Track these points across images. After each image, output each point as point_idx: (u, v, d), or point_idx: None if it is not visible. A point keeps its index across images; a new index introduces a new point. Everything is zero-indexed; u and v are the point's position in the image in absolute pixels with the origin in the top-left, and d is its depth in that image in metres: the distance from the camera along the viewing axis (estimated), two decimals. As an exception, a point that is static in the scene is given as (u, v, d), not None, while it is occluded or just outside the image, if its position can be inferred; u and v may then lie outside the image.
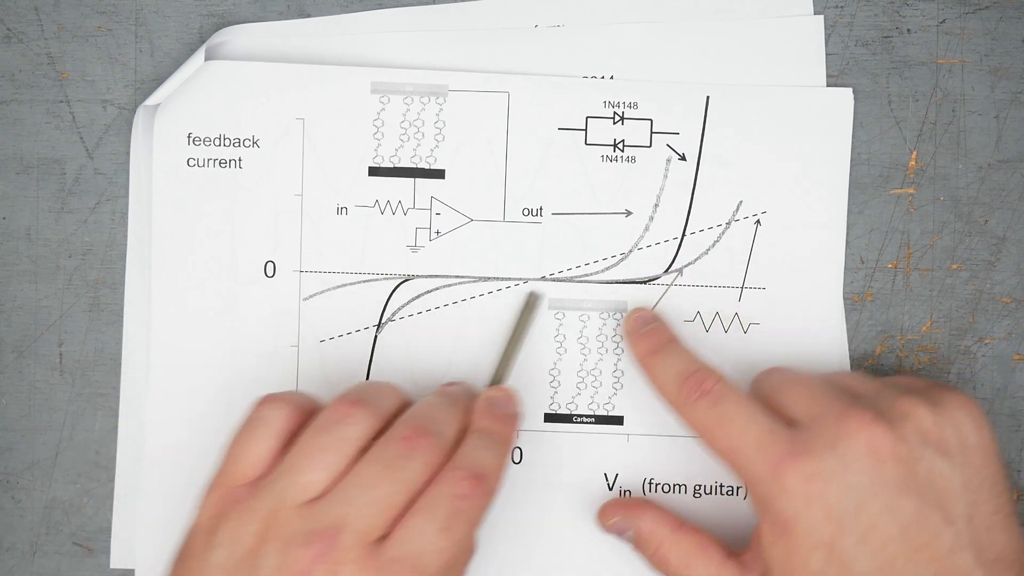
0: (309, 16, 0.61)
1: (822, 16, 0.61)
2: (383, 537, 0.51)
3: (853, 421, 0.53)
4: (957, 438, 0.54)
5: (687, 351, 0.58)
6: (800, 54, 0.61)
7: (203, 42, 0.61)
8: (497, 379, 0.60)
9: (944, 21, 0.62)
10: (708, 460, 0.61)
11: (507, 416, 0.57)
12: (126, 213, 0.61)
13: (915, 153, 0.62)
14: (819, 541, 0.52)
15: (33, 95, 0.61)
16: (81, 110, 0.61)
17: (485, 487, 0.52)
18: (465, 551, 0.52)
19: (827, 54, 0.61)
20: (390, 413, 0.54)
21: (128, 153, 0.61)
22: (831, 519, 0.52)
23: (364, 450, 0.52)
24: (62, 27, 0.61)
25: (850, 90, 0.61)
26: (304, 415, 0.54)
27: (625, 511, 0.59)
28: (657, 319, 0.60)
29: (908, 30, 0.62)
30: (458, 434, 0.55)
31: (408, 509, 0.51)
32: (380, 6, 0.61)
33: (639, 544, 0.58)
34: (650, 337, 0.59)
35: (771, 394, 0.56)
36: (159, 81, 0.61)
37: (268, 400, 0.54)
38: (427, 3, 0.61)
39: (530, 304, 0.61)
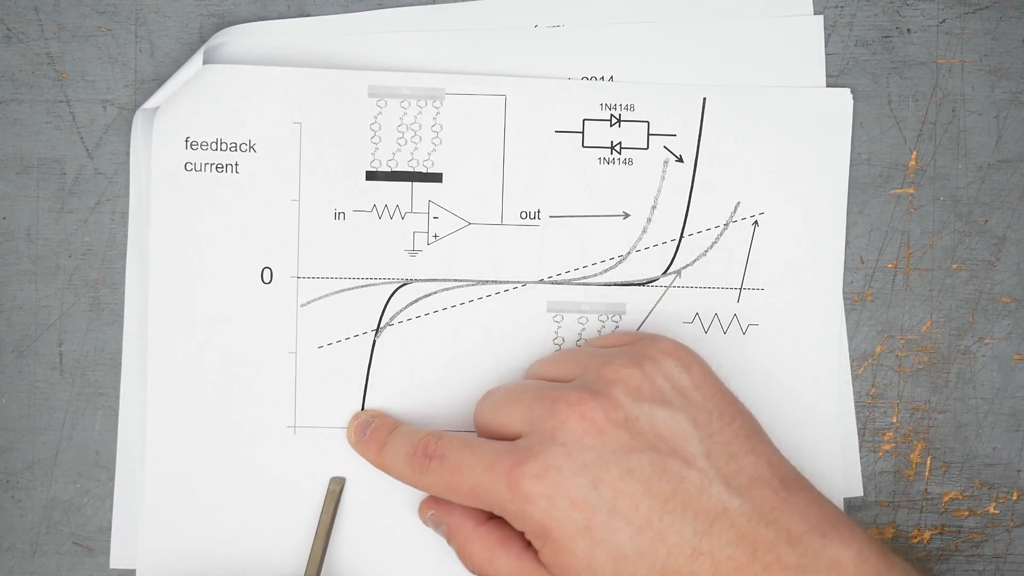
0: (309, 16, 0.61)
1: (822, 16, 0.61)
2: None
3: (562, 408, 0.53)
4: (669, 383, 0.54)
5: (408, 430, 0.59)
6: (800, 54, 0.61)
7: (203, 42, 0.61)
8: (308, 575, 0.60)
9: (944, 21, 0.61)
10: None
11: None
12: (126, 213, 0.61)
13: (915, 153, 0.62)
14: (576, 530, 0.52)
15: (33, 95, 0.61)
16: (81, 110, 0.61)
17: None
18: None
19: (827, 54, 0.61)
20: None
21: (128, 153, 0.61)
22: (576, 505, 0.52)
23: None
24: (62, 27, 0.61)
25: (848, 90, 0.61)
26: None
27: (437, 506, 0.58)
28: (374, 417, 0.60)
29: (908, 30, 0.61)
30: None
31: None
32: (379, 6, 0.61)
33: (449, 538, 0.58)
34: (373, 438, 0.59)
35: (489, 422, 0.57)
36: (159, 81, 0.61)
37: None
38: (426, 3, 0.61)
39: (332, 492, 0.61)
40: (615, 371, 0.54)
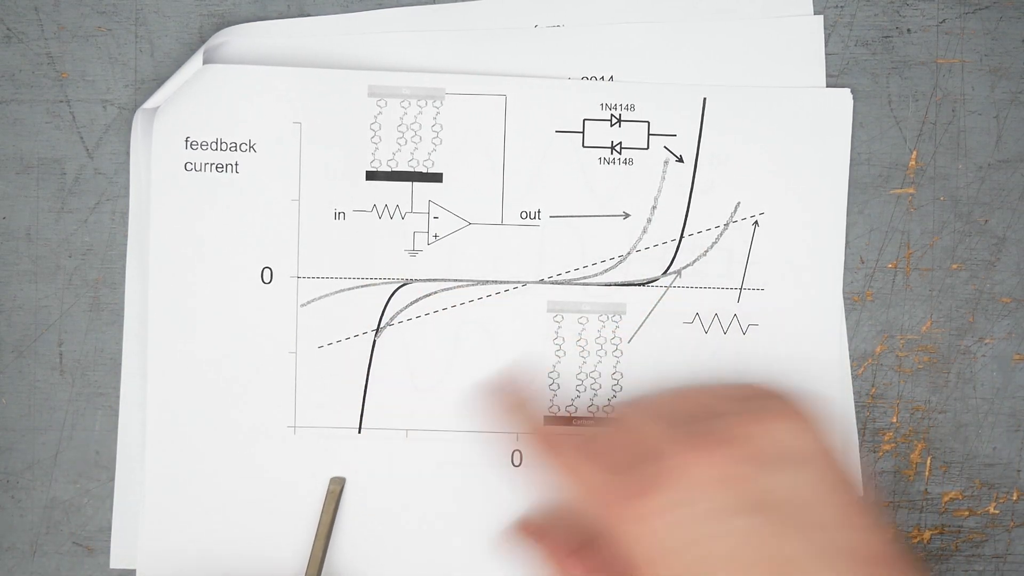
0: (309, 16, 0.61)
1: (822, 16, 0.61)
2: None
3: (678, 454, 0.52)
4: (787, 451, 0.53)
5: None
6: (800, 54, 0.61)
7: (203, 42, 0.61)
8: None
9: (944, 21, 0.61)
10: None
11: None
12: (126, 213, 0.61)
13: (915, 153, 0.62)
14: (673, 572, 0.51)
15: (33, 95, 0.61)
16: (81, 110, 0.61)
17: None
18: None
19: (827, 54, 0.61)
20: None
21: (128, 153, 0.61)
22: (673, 551, 0.51)
23: None
24: (62, 27, 0.61)
25: (848, 91, 0.61)
26: None
27: (525, 537, 0.59)
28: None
29: (908, 30, 0.61)
30: None
31: None
32: (379, 6, 0.61)
33: (541, 567, 0.58)
34: (510, 395, 0.60)
35: (596, 442, 0.56)
36: (159, 81, 0.61)
37: None
38: (426, 3, 0.61)
39: (332, 492, 0.61)
40: (745, 425, 0.53)
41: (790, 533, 0.51)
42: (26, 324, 0.61)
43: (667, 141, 0.61)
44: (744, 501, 0.51)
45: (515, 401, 0.60)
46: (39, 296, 0.61)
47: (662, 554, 0.51)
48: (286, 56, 0.61)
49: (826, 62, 0.61)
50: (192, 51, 0.61)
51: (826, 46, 0.61)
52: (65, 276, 0.61)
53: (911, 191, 0.62)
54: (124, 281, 0.61)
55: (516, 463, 0.61)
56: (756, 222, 0.61)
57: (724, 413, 0.54)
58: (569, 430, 0.61)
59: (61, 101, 0.61)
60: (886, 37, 0.61)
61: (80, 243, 0.61)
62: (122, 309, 0.61)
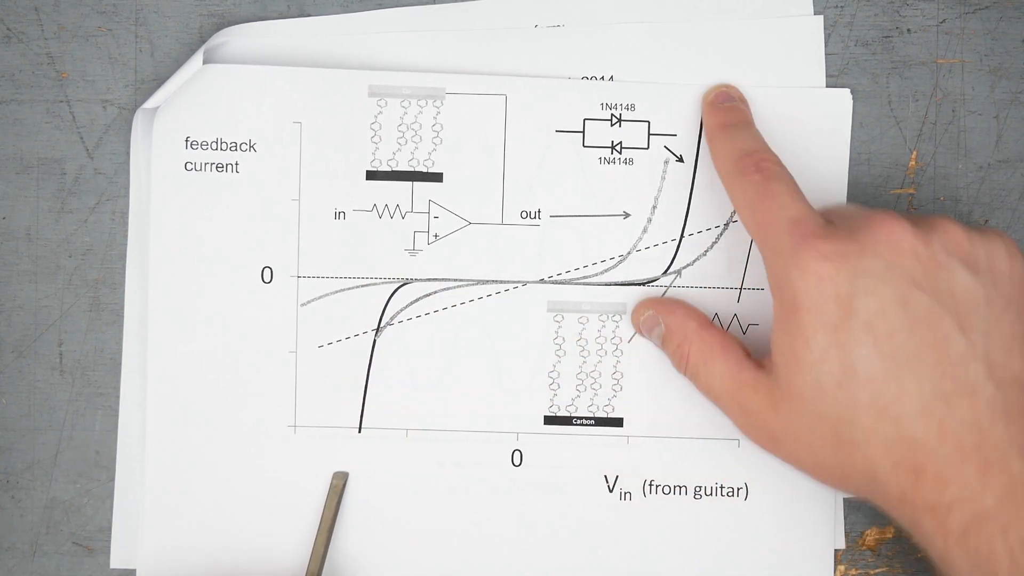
0: (309, 16, 0.61)
1: (822, 16, 0.61)
2: None
3: (880, 217, 0.53)
4: (987, 259, 0.53)
5: (757, 134, 0.59)
6: (800, 54, 0.61)
7: (203, 42, 0.61)
8: (310, 573, 0.60)
9: (944, 21, 0.61)
10: (708, 461, 0.61)
11: None
12: (126, 213, 0.61)
13: (915, 153, 0.62)
14: (824, 322, 0.52)
15: (33, 95, 0.61)
16: (81, 110, 0.61)
17: None
18: None
19: (827, 54, 0.61)
20: None
21: (128, 153, 0.61)
22: (839, 300, 0.51)
23: None
24: (62, 27, 0.61)
25: (848, 91, 0.61)
26: None
27: (656, 306, 0.59)
28: (740, 100, 0.60)
29: (908, 30, 0.61)
30: None
31: None
32: (380, 6, 0.61)
33: (665, 340, 0.59)
34: (726, 113, 0.59)
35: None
36: (159, 81, 0.61)
37: None
38: (426, 3, 0.61)
39: (335, 486, 0.61)
40: (946, 222, 0.53)
41: (964, 334, 0.51)
42: (26, 324, 0.61)
43: (667, 141, 0.61)
44: (924, 279, 0.52)
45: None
46: (39, 296, 0.61)
47: (835, 296, 0.52)
48: (286, 56, 0.61)
49: (826, 62, 0.61)
50: (192, 51, 0.61)
51: (826, 46, 0.61)
52: (65, 276, 0.61)
53: (911, 191, 0.62)
54: (124, 281, 0.61)
55: (516, 463, 0.61)
56: None
57: (931, 215, 0.55)
58: (570, 430, 0.61)
59: (61, 101, 0.61)
60: (886, 37, 0.62)
61: (80, 243, 0.61)
62: (122, 309, 0.61)
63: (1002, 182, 0.62)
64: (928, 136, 0.62)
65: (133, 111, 0.61)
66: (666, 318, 0.59)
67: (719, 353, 0.57)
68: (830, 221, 0.54)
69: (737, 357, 0.56)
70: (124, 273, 0.61)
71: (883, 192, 0.62)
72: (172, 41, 0.61)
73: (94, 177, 0.61)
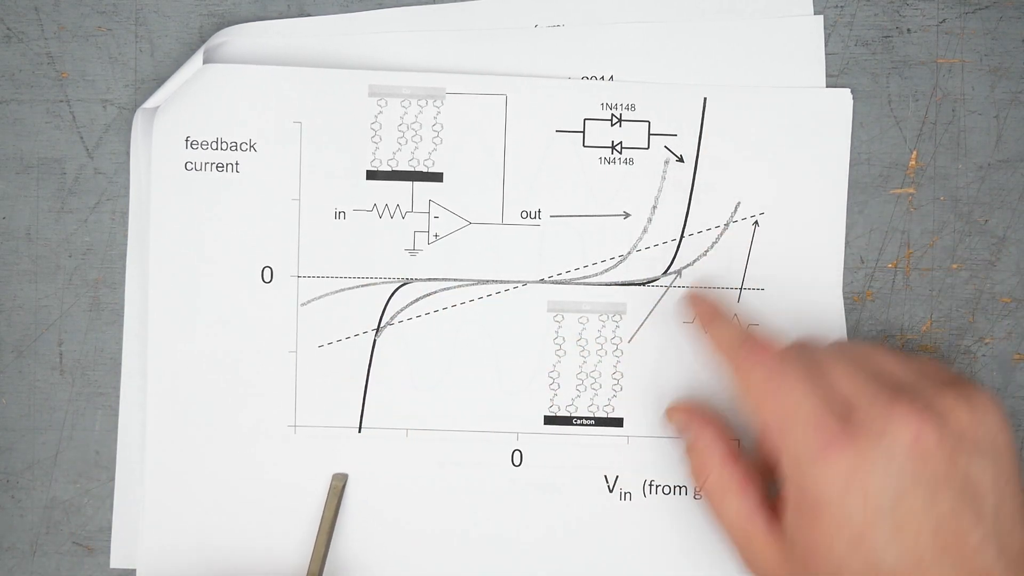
0: (309, 15, 0.61)
1: (822, 16, 0.61)
2: None
3: (901, 414, 0.52)
4: (989, 437, 0.53)
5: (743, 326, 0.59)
6: (800, 54, 0.61)
7: (203, 42, 0.61)
8: (311, 573, 0.60)
9: (944, 21, 0.61)
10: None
11: None
12: (126, 213, 0.61)
13: (915, 153, 0.62)
14: (849, 528, 0.52)
15: (33, 95, 0.61)
16: (81, 110, 0.61)
17: None
18: None
19: (827, 54, 0.61)
20: None
21: (128, 153, 0.61)
22: (867, 508, 0.51)
23: None
24: (62, 27, 0.61)
25: (848, 91, 0.61)
26: None
27: (690, 415, 0.59)
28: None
29: (908, 30, 0.61)
30: None
31: None
32: (380, 6, 0.61)
33: (689, 450, 0.59)
34: (712, 301, 0.60)
35: (818, 366, 0.55)
36: (159, 81, 0.61)
37: None
38: (426, 3, 0.61)
39: (335, 487, 0.61)
40: (952, 403, 0.53)
41: (980, 522, 0.52)
42: (26, 324, 0.61)
43: (668, 141, 0.61)
44: (948, 476, 0.52)
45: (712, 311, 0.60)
46: (39, 296, 0.61)
47: (863, 504, 0.52)
48: (286, 56, 0.61)
49: (826, 62, 0.61)
50: (192, 51, 0.61)
51: (826, 46, 0.61)
52: (65, 276, 0.61)
53: (911, 191, 0.62)
54: (124, 281, 0.61)
55: (516, 463, 0.61)
56: (756, 222, 0.61)
57: (926, 385, 0.54)
58: (570, 430, 0.61)
59: (61, 101, 0.61)
60: (886, 37, 0.62)
61: (80, 243, 0.61)
62: (122, 309, 0.61)
63: (1002, 182, 0.62)
64: (928, 136, 0.62)
65: (133, 111, 0.61)
66: (696, 432, 0.59)
67: (737, 490, 0.57)
68: (842, 405, 0.54)
69: (754, 500, 0.56)
70: (124, 273, 0.61)
71: (883, 192, 0.62)
72: (172, 41, 0.61)
73: (94, 177, 0.61)
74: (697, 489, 0.58)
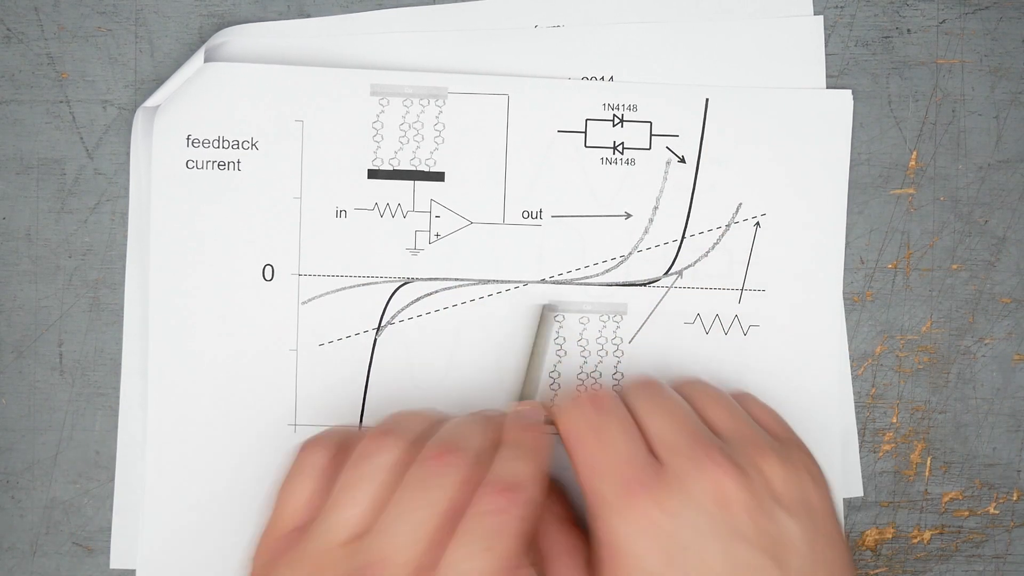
0: (309, 16, 0.61)
1: (822, 16, 0.61)
2: (429, 566, 0.49)
3: (708, 466, 0.52)
4: (802, 497, 0.53)
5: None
6: (800, 54, 0.61)
7: (203, 42, 0.61)
8: (524, 396, 0.60)
9: (944, 21, 0.62)
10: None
11: (536, 425, 0.55)
12: (126, 213, 0.61)
13: (915, 153, 0.62)
14: (645, 571, 0.51)
15: (33, 95, 0.61)
16: (81, 110, 0.61)
17: (521, 497, 0.51)
18: (516, 569, 0.50)
19: (827, 54, 0.61)
20: (423, 437, 0.53)
21: (128, 153, 0.61)
22: (663, 552, 0.51)
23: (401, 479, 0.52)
24: (62, 27, 0.61)
25: (849, 92, 0.61)
26: (345, 453, 0.53)
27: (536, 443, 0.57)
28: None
29: (908, 30, 0.62)
30: (489, 450, 0.53)
31: (450, 531, 0.50)
32: (380, 6, 0.61)
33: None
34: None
35: (638, 412, 0.55)
36: (159, 81, 0.61)
37: (307, 445, 0.54)
38: (427, 3, 0.61)
39: (545, 317, 0.61)
40: (766, 461, 0.53)
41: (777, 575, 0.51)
42: (26, 324, 0.61)
43: (669, 142, 0.61)
44: (750, 531, 0.51)
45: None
46: (39, 296, 0.61)
47: (659, 548, 0.51)
48: (287, 56, 0.61)
49: (826, 62, 0.61)
50: (192, 51, 0.61)
51: (826, 46, 0.61)
52: (65, 276, 0.61)
53: (911, 191, 0.62)
54: (124, 281, 0.61)
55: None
56: (758, 223, 0.61)
57: (746, 439, 0.54)
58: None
59: (61, 101, 0.61)
60: (886, 37, 0.62)
61: (80, 243, 0.61)
62: (122, 309, 0.61)
63: (1002, 182, 0.62)
64: (928, 136, 0.62)
65: (133, 111, 0.61)
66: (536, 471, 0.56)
67: (563, 553, 0.55)
68: (654, 453, 0.53)
69: (579, 562, 0.55)
70: (124, 273, 0.61)
71: (883, 192, 0.62)
72: (172, 41, 0.61)
73: (94, 177, 0.61)
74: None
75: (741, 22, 0.61)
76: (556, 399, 0.57)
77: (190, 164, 0.60)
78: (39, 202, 0.61)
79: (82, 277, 0.61)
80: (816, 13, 0.61)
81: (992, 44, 0.62)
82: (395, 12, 0.61)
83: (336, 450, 0.54)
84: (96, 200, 0.61)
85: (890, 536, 0.63)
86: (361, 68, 0.61)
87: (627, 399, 0.56)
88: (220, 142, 0.60)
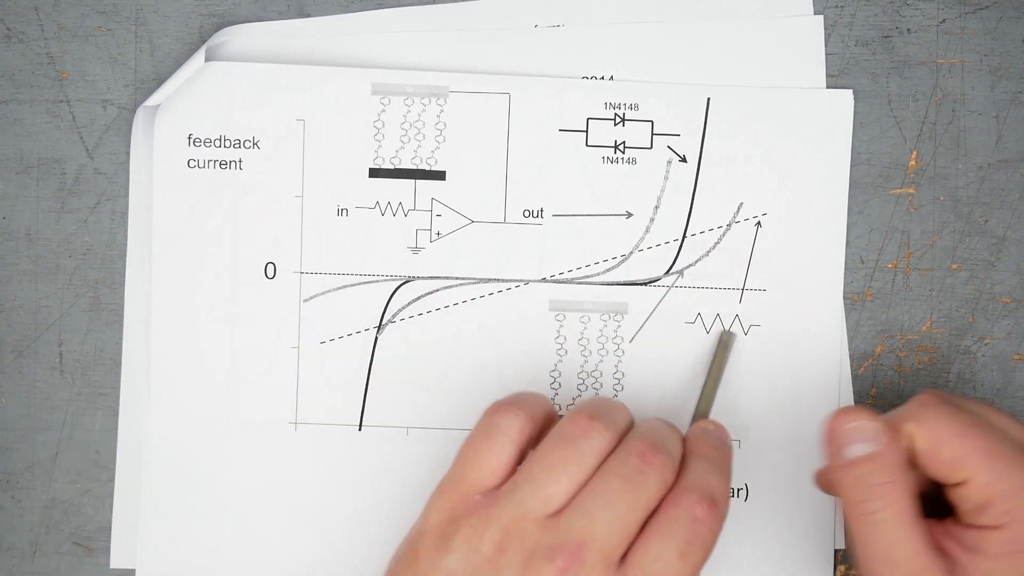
0: (309, 16, 0.61)
1: (822, 16, 0.61)
2: (621, 558, 0.50)
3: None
4: None
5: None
6: (800, 54, 0.61)
7: (203, 42, 0.61)
8: (700, 414, 0.59)
9: (944, 21, 0.62)
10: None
11: (724, 446, 0.55)
12: (126, 213, 0.61)
13: (915, 153, 0.62)
14: None
15: (33, 95, 0.61)
16: (81, 110, 0.61)
17: (719, 512, 0.51)
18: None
19: (827, 54, 0.61)
20: (624, 430, 0.53)
21: (128, 153, 0.61)
22: None
23: (600, 465, 0.52)
24: (62, 27, 0.61)
25: (850, 92, 0.61)
26: (537, 424, 0.54)
27: (882, 427, 0.54)
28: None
29: (908, 30, 0.62)
30: (682, 458, 0.53)
31: (643, 528, 0.51)
32: (380, 6, 0.61)
33: (854, 468, 0.54)
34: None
35: (936, 450, 0.53)
36: (159, 81, 0.61)
37: (503, 408, 0.53)
38: (427, 3, 0.61)
39: (724, 342, 0.61)
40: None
41: None
42: (26, 324, 0.61)
43: (671, 141, 0.61)
44: None
45: None
46: (39, 296, 0.61)
47: None
48: (288, 55, 0.61)
49: (826, 62, 0.61)
50: (192, 51, 0.61)
51: (826, 46, 0.61)
52: (65, 276, 0.61)
53: (911, 191, 0.62)
54: (124, 281, 0.61)
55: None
56: (759, 223, 0.61)
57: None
58: None
59: (61, 101, 0.61)
60: (886, 37, 0.62)
61: (80, 243, 0.61)
62: (122, 309, 0.61)
63: (1002, 182, 0.62)
64: (928, 136, 0.62)
65: (133, 111, 0.61)
66: (884, 448, 0.54)
67: (914, 525, 0.53)
68: (962, 511, 0.53)
69: (928, 538, 0.53)
70: (124, 273, 0.61)
71: (883, 192, 0.62)
72: (172, 41, 0.61)
73: (94, 177, 0.61)
74: (856, 515, 0.53)
75: (741, 22, 0.61)
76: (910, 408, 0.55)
77: (191, 163, 0.60)
78: (39, 202, 0.61)
79: (82, 277, 0.61)
80: (816, 13, 0.61)
81: (992, 44, 0.62)
82: (395, 12, 0.61)
83: (532, 421, 0.53)
84: (96, 200, 0.61)
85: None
86: (362, 67, 0.61)
87: (908, 419, 0.54)
88: (222, 141, 0.60)
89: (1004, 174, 0.62)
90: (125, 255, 0.61)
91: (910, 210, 0.62)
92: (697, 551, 0.50)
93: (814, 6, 0.61)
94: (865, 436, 0.53)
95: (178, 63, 0.61)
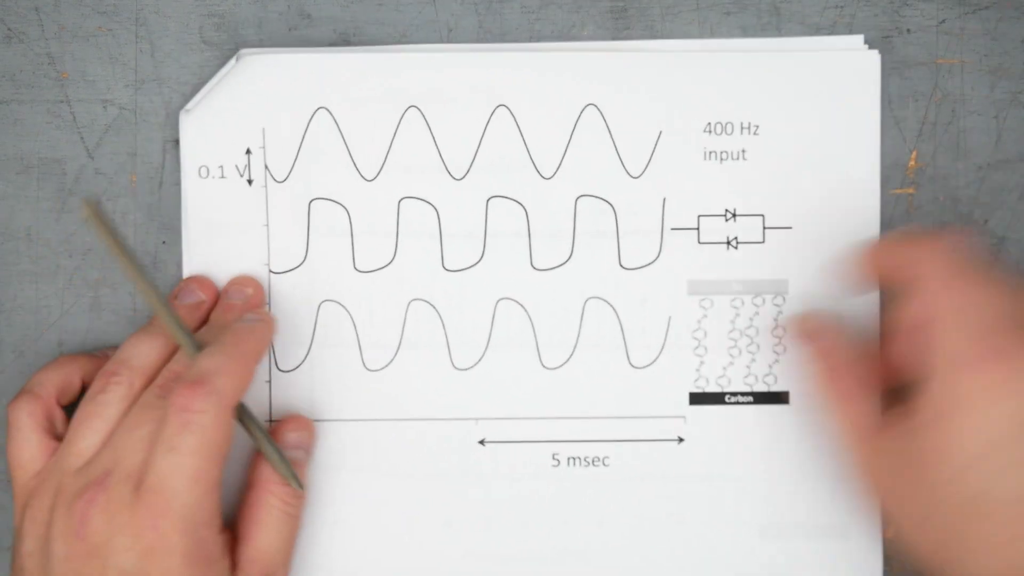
0: (309, 16, 0.61)
1: (877, 51, 0.61)
2: (145, 470, 0.53)
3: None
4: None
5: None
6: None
7: (203, 42, 0.61)
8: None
9: (944, 21, 0.62)
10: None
11: (243, 329, 0.57)
12: (126, 213, 0.61)
13: (915, 153, 0.62)
14: (985, 438, 0.50)
15: (33, 95, 0.61)
16: (81, 110, 0.61)
17: (204, 389, 0.53)
18: (213, 459, 0.53)
19: (827, 54, 0.62)
20: (152, 365, 0.56)
21: (128, 153, 0.61)
22: (1006, 427, 0.50)
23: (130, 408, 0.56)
24: (62, 27, 0.61)
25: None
26: (50, 396, 0.57)
27: (819, 326, 0.59)
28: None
29: (908, 30, 0.62)
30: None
31: None
32: (380, 6, 0.61)
33: (816, 357, 0.58)
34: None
35: (998, 280, 0.53)
36: (159, 81, 0.61)
37: (9, 404, 0.57)
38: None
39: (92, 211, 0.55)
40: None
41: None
42: (26, 324, 0.61)
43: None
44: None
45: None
46: (39, 296, 0.61)
47: (998, 425, 0.50)
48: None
49: (826, 62, 0.61)
50: (192, 51, 0.61)
51: (826, 46, 0.62)
52: (65, 276, 0.61)
53: (911, 191, 0.62)
54: (124, 281, 0.61)
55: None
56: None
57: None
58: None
59: (61, 101, 0.61)
60: (886, 37, 0.62)
61: (80, 243, 0.61)
62: (122, 309, 0.61)
63: (1002, 182, 0.62)
64: (928, 136, 0.62)
65: (133, 111, 0.61)
66: (827, 340, 0.58)
67: (865, 390, 0.57)
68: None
69: (876, 402, 0.56)
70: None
71: (883, 192, 0.62)
72: (172, 41, 0.61)
73: (94, 177, 0.61)
74: (822, 391, 0.57)
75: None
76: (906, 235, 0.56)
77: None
78: (39, 202, 0.61)
79: (82, 277, 0.61)
80: (816, 13, 0.61)
81: (992, 44, 0.62)
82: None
83: (32, 401, 0.57)
84: (96, 200, 0.61)
85: (891, 535, 0.63)
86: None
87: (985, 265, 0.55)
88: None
89: (1004, 174, 0.62)
90: (125, 255, 0.61)
91: (910, 210, 0.62)
92: (188, 437, 0.52)
93: (814, 6, 0.61)
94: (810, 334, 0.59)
95: (178, 63, 0.61)
